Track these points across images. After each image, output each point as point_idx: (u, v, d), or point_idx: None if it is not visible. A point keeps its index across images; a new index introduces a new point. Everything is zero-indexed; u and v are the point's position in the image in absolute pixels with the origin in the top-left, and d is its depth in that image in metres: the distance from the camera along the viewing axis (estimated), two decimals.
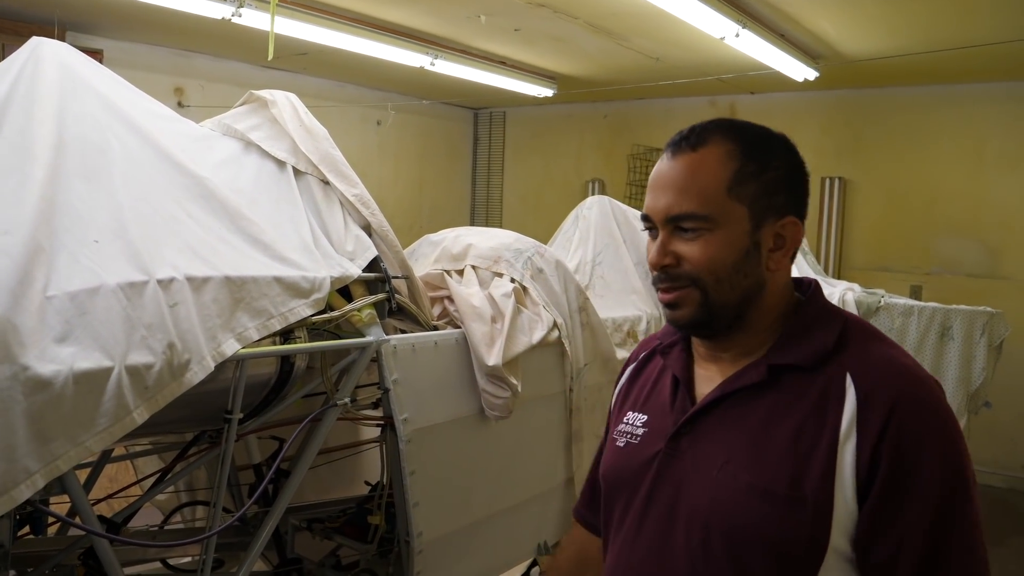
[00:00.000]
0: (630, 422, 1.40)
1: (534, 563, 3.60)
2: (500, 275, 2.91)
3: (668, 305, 1.28)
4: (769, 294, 1.27)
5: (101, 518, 2.37)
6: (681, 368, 1.36)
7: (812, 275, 5.26)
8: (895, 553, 1.11)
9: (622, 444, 1.39)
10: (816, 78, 6.09)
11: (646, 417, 1.38)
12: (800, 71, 5.89)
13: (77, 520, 1.92)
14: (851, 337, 1.23)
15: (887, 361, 1.19)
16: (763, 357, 1.25)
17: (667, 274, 1.26)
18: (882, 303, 5.09)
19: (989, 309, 4.91)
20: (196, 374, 1.84)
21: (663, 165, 1.29)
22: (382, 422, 2.53)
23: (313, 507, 2.95)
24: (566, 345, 2.99)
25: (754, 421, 1.22)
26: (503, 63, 6.57)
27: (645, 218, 1.30)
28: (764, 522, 1.15)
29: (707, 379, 1.32)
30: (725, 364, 1.30)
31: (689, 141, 1.26)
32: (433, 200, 8.91)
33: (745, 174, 1.24)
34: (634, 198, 7.83)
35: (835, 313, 1.29)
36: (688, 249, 1.24)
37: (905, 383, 1.15)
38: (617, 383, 1.56)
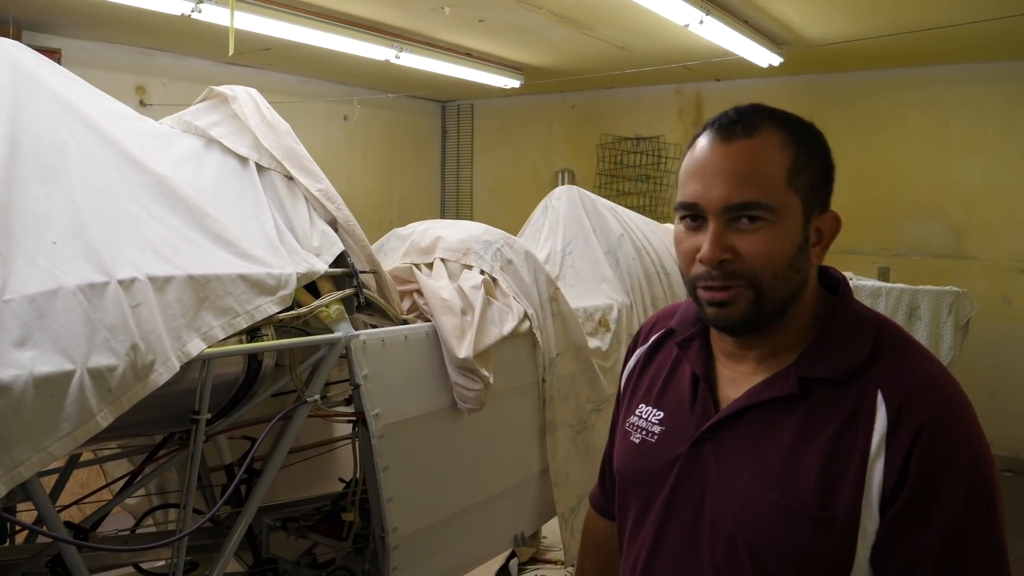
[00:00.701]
0: (645, 416, 1.34)
1: (512, 554, 3.61)
2: (469, 267, 2.90)
3: (717, 303, 1.18)
4: (808, 289, 1.22)
5: (69, 524, 2.34)
6: (702, 366, 1.29)
7: None
8: (911, 571, 1.09)
9: (637, 441, 1.33)
10: (780, 64, 6.12)
11: (662, 415, 1.32)
12: (764, 57, 5.92)
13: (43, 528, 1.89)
14: (884, 348, 1.17)
15: (919, 378, 1.14)
16: (792, 366, 1.19)
17: (722, 271, 1.16)
18: (851, 286, 5.14)
19: (955, 289, 4.99)
20: (161, 375, 1.81)
21: (714, 151, 1.18)
22: (354, 418, 2.51)
23: (287, 506, 2.93)
24: (537, 336, 2.98)
25: (782, 436, 1.16)
26: (469, 55, 6.54)
27: (689, 207, 1.19)
28: (791, 540, 1.12)
29: (730, 380, 1.26)
30: (750, 364, 1.24)
31: (743, 125, 1.17)
32: (402, 194, 8.87)
33: (801, 164, 1.17)
34: (603, 187, 7.85)
35: (867, 319, 1.21)
36: (746, 243, 1.15)
37: (936, 403, 1.11)
38: (626, 363, 1.48)
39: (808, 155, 1.19)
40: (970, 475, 1.08)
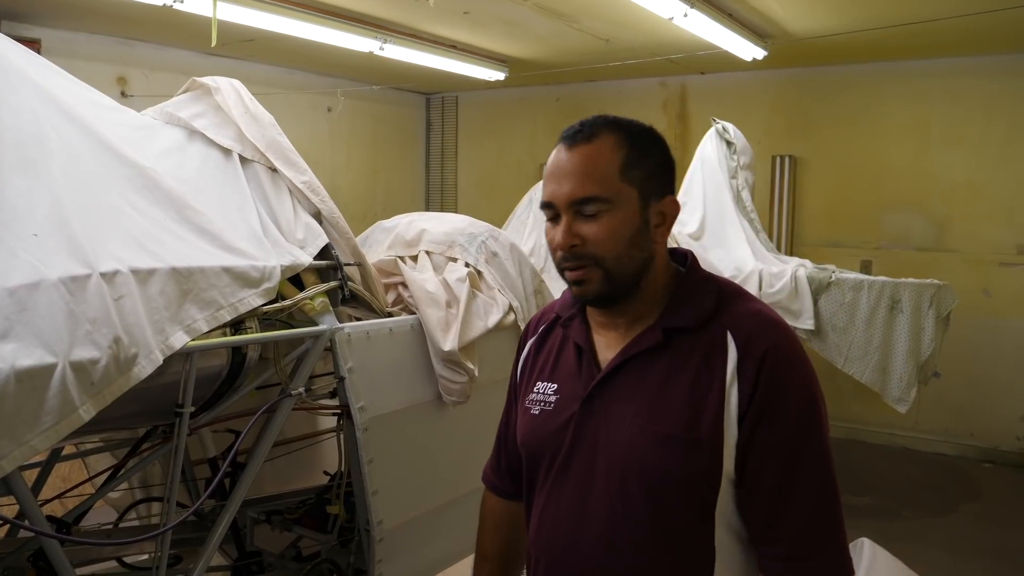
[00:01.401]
0: (541, 391, 1.54)
1: None
2: (454, 260, 2.90)
3: (575, 282, 1.42)
4: (656, 265, 1.44)
5: (51, 518, 2.32)
6: (583, 338, 1.51)
7: (764, 253, 5.33)
8: (759, 469, 1.33)
9: (536, 412, 1.53)
10: (764, 57, 6.14)
11: (556, 385, 1.52)
12: (749, 50, 5.94)
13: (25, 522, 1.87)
14: (726, 299, 1.43)
15: (757, 316, 1.40)
16: (656, 322, 1.43)
17: (572, 254, 1.40)
18: (833, 278, 5.17)
19: (936, 282, 5.02)
20: (144, 368, 1.80)
21: (561, 156, 1.43)
22: (339, 411, 2.50)
23: (272, 499, 2.93)
24: (521, 328, 2.98)
25: (655, 379, 1.40)
26: (453, 47, 6.53)
27: (548, 206, 1.43)
28: (670, 462, 1.35)
29: (606, 346, 1.48)
30: (621, 330, 1.47)
31: (583, 134, 1.42)
32: (387, 186, 8.84)
33: (633, 160, 1.40)
34: None
35: (710, 279, 1.48)
36: (590, 229, 1.38)
37: (773, 334, 1.37)
38: (519, 355, 1.68)
39: (640, 151, 1.41)
40: (801, 390, 1.34)
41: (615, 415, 1.41)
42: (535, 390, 1.55)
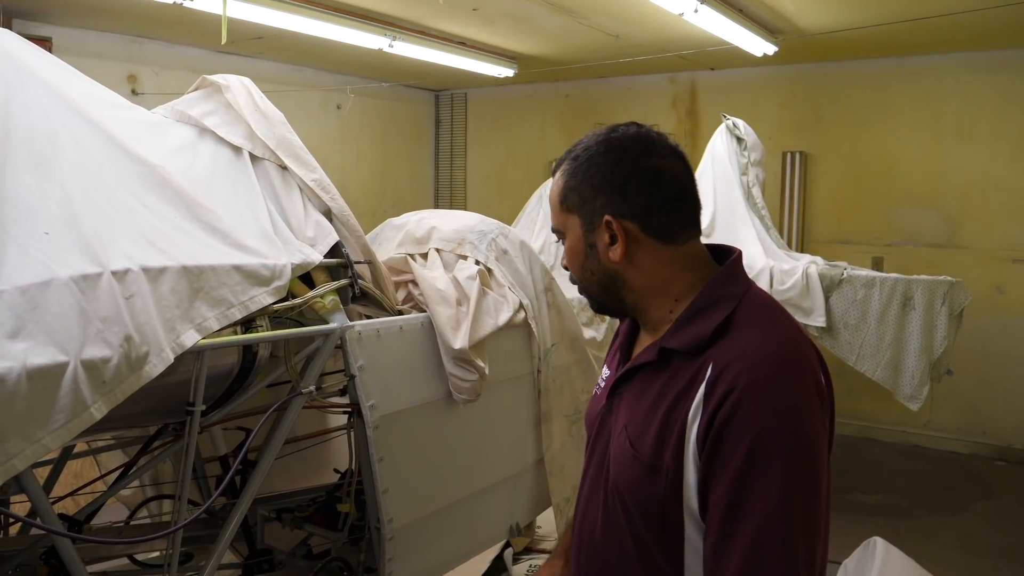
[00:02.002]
0: (603, 376, 1.62)
1: (507, 544, 3.61)
2: (464, 257, 2.89)
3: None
4: (633, 280, 1.44)
5: (63, 516, 2.33)
6: (625, 335, 1.57)
7: (775, 250, 5.31)
8: (709, 518, 1.27)
9: (595, 392, 1.63)
10: (775, 53, 6.11)
11: (608, 372, 1.60)
12: (759, 46, 5.91)
13: (37, 520, 1.88)
14: (733, 324, 1.34)
15: (747, 347, 1.29)
16: (661, 338, 1.41)
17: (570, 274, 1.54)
18: (844, 275, 5.14)
19: (949, 278, 4.99)
20: (155, 367, 1.80)
21: None
22: (349, 409, 2.50)
23: (282, 497, 2.92)
24: (532, 326, 2.98)
25: (648, 395, 1.39)
26: (462, 44, 6.52)
27: None
28: (633, 482, 1.36)
29: (639, 347, 1.51)
30: (647, 334, 1.49)
31: (555, 169, 1.51)
32: (396, 183, 8.84)
33: (569, 187, 1.45)
34: None
35: (728, 297, 1.37)
36: (564, 254, 1.54)
37: (749, 364, 1.26)
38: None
39: (578, 178, 1.44)
40: (756, 433, 1.22)
41: (619, 417, 1.46)
42: (602, 373, 1.64)
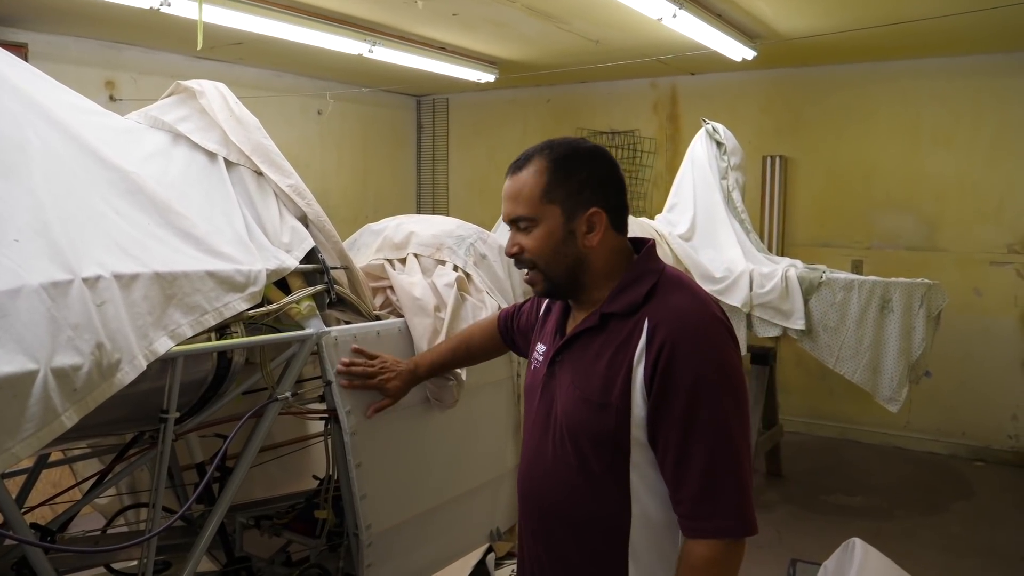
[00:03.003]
0: (537, 351, 1.95)
1: (489, 549, 3.61)
2: (443, 263, 2.88)
3: (528, 282, 1.85)
4: (595, 262, 1.78)
5: (35, 526, 2.30)
6: (560, 315, 1.92)
7: (755, 253, 5.33)
8: (663, 443, 1.64)
9: (532, 367, 1.95)
10: (754, 58, 6.15)
11: (544, 348, 1.92)
12: (738, 51, 5.94)
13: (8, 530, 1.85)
14: (659, 290, 1.72)
15: (672, 307, 1.68)
16: (599, 307, 1.77)
17: (518, 260, 1.82)
18: (824, 278, 5.17)
19: (927, 281, 5.03)
20: (127, 374, 1.78)
21: (505, 183, 1.82)
22: (326, 415, 2.49)
23: (260, 504, 2.91)
24: None
25: (590, 353, 1.75)
26: (443, 49, 6.52)
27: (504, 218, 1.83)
28: (587, 421, 1.71)
29: (573, 321, 1.86)
30: (583, 311, 1.83)
31: (517, 164, 1.80)
32: (378, 189, 8.83)
33: (554, 183, 1.74)
34: None
35: (652, 271, 1.77)
36: (524, 240, 1.79)
37: (680, 319, 1.65)
38: (536, 312, 2.15)
39: (562, 174, 1.75)
40: (693, 375, 1.60)
41: (563, 377, 1.79)
42: (536, 349, 1.96)
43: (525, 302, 2.31)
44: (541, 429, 1.83)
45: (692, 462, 1.60)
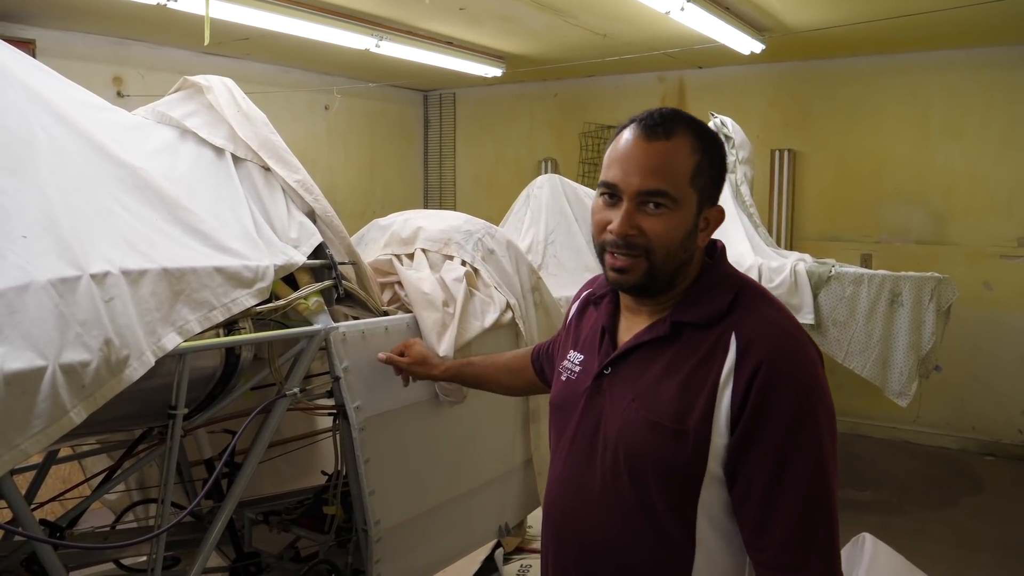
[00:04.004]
0: (572, 360, 1.68)
1: (498, 545, 3.61)
2: (451, 258, 2.88)
3: (618, 270, 1.48)
4: (693, 265, 1.53)
5: (44, 522, 2.31)
6: (608, 318, 1.62)
7: (763, 247, 5.32)
8: (748, 479, 1.38)
9: (564, 378, 1.67)
10: (762, 51, 6.12)
11: (582, 357, 1.65)
12: (746, 44, 5.92)
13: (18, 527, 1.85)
14: (742, 301, 1.47)
15: (766, 322, 1.43)
16: (669, 314, 1.51)
17: (626, 242, 1.45)
18: (833, 272, 5.15)
19: (937, 275, 5.00)
20: (136, 370, 1.78)
21: (637, 145, 1.45)
22: (334, 411, 2.49)
23: (269, 500, 2.91)
24: (520, 326, 2.97)
25: (656, 368, 1.48)
26: (450, 44, 6.51)
27: (610, 186, 1.47)
28: (655, 448, 1.43)
29: (628, 329, 1.58)
30: (643, 317, 1.56)
31: (664, 129, 1.44)
32: (385, 184, 8.82)
33: (702, 167, 1.46)
34: (587, 176, 7.84)
35: (733, 278, 1.53)
36: (650, 223, 1.44)
37: (777, 337, 1.41)
38: (568, 315, 1.84)
39: (709, 161, 1.47)
40: (795, 405, 1.35)
41: (617, 395, 1.51)
42: (568, 357, 1.69)
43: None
44: (583, 454, 1.55)
45: (784, 504, 1.35)
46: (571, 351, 1.70)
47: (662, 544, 1.44)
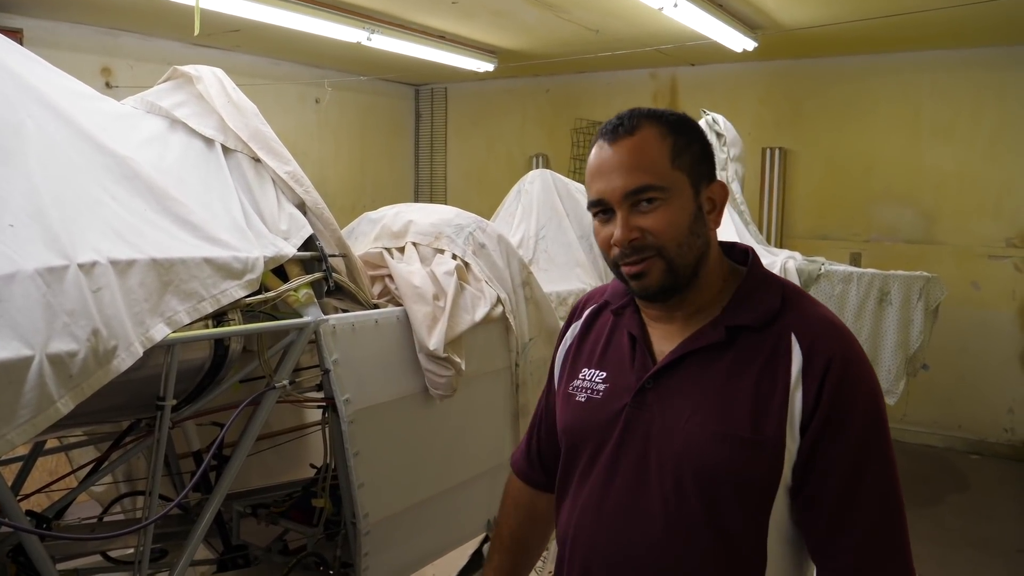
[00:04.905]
0: (588, 378, 1.51)
1: (486, 539, 3.60)
2: (441, 251, 2.87)
3: (636, 276, 1.39)
4: (712, 252, 1.43)
5: (31, 513, 2.29)
6: (638, 328, 1.48)
7: (753, 245, 5.34)
8: (822, 481, 1.30)
9: (583, 399, 1.50)
10: (755, 48, 6.12)
11: (605, 374, 1.49)
12: (739, 41, 5.92)
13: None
14: (790, 300, 1.40)
15: (823, 321, 1.37)
16: (719, 318, 1.40)
17: (633, 247, 1.37)
18: (822, 270, 5.16)
19: (926, 274, 5.02)
20: (124, 361, 1.77)
21: (605, 152, 1.40)
22: (324, 404, 2.48)
23: (258, 492, 2.91)
24: (510, 320, 2.97)
25: (716, 376, 1.37)
26: (442, 37, 6.49)
27: (598, 203, 1.41)
28: (731, 462, 1.31)
29: (663, 338, 1.46)
30: (679, 323, 1.44)
31: (625, 127, 1.39)
32: (376, 178, 8.80)
33: (680, 147, 1.38)
34: (578, 172, 7.83)
35: (774, 278, 1.45)
36: (649, 221, 1.36)
37: (840, 342, 1.34)
38: (562, 339, 1.65)
39: (684, 139, 1.40)
40: (868, 401, 1.31)
41: (671, 410, 1.38)
42: (581, 376, 1.53)
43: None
44: (632, 477, 1.40)
45: (861, 509, 1.29)
46: (584, 369, 1.53)
47: (733, 565, 1.34)
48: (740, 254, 1.50)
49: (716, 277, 1.44)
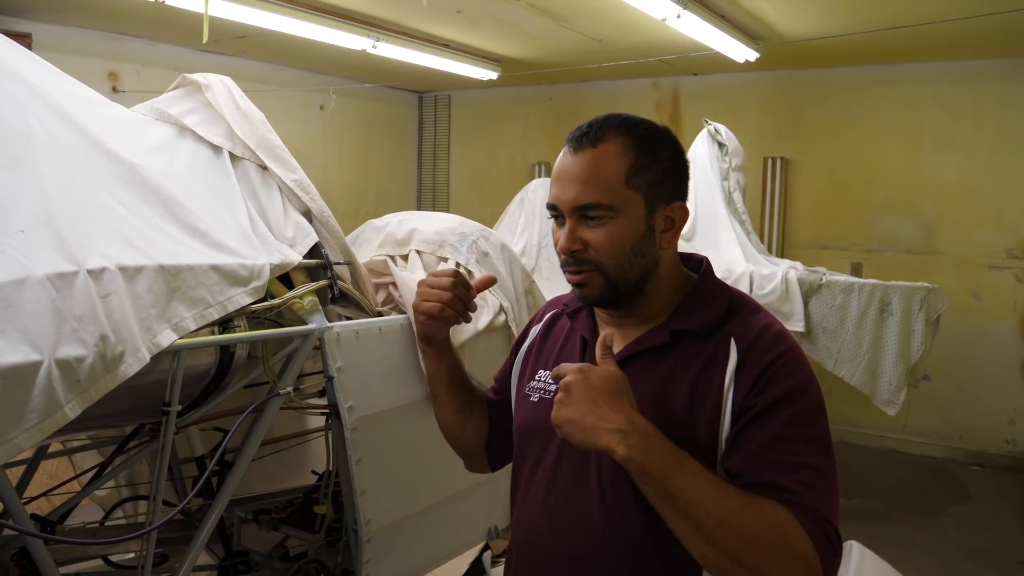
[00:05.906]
0: (543, 379, 1.56)
1: (486, 547, 3.61)
2: (445, 260, 2.89)
3: (577, 285, 1.43)
4: (663, 269, 1.45)
5: (35, 516, 2.30)
6: (590, 331, 1.53)
7: (755, 255, 5.34)
8: (749, 433, 1.31)
9: (536, 399, 1.55)
10: (757, 59, 6.14)
11: (548, 374, 1.54)
12: (741, 52, 5.94)
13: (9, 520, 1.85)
14: (736, 309, 1.43)
15: (763, 328, 1.39)
16: (664, 323, 1.44)
17: (574, 258, 1.40)
18: (823, 281, 5.18)
19: (927, 284, 5.03)
20: (131, 366, 1.78)
21: (567, 159, 1.41)
22: (327, 411, 2.49)
23: (259, 498, 2.91)
24: (513, 329, 2.98)
25: (656, 377, 1.40)
26: (446, 46, 6.51)
27: (552, 207, 1.43)
28: None
29: (614, 341, 1.45)
30: (630, 328, 1.47)
31: (589, 137, 1.39)
32: (379, 185, 8.82)
33: (640, 166, 1.38)
34: None
35: (723, 288, 1.49)
36: (593, 236, 1.38)
37: (775, 343, 1.36)
38: (523, 340, 1.70)
39: (648, 157, 1.39)
40: (798, 395, 1.32)
41: None
42: (536, 377, 1.57)
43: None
44: (573, 476, 1.45)
45: (784, 444, 1.30)
46: (540, 371, 1.58)
47: (665, 561, 1.36)
48: (696, 264, 1.54)
49: (668, 288, 1.46)
